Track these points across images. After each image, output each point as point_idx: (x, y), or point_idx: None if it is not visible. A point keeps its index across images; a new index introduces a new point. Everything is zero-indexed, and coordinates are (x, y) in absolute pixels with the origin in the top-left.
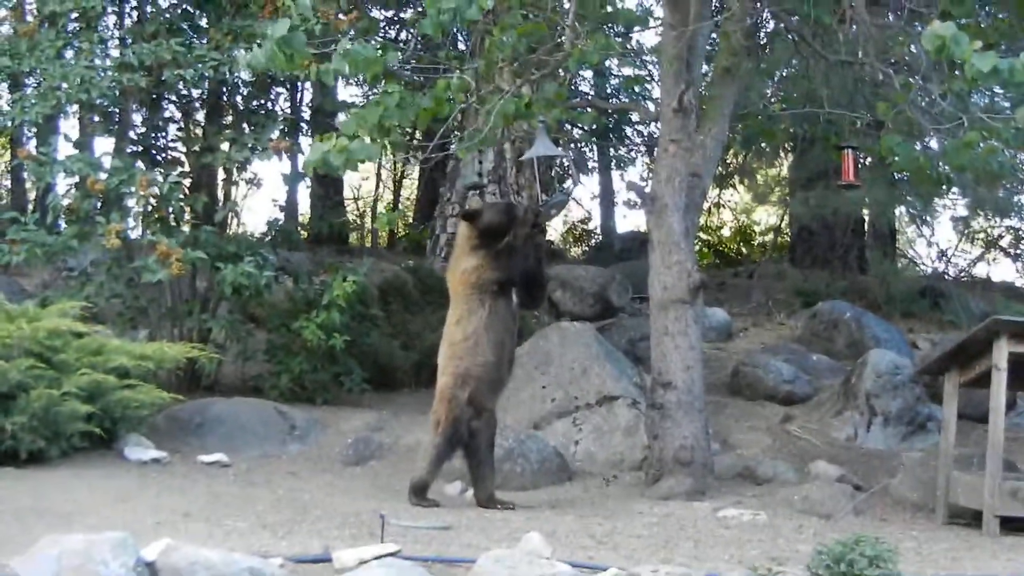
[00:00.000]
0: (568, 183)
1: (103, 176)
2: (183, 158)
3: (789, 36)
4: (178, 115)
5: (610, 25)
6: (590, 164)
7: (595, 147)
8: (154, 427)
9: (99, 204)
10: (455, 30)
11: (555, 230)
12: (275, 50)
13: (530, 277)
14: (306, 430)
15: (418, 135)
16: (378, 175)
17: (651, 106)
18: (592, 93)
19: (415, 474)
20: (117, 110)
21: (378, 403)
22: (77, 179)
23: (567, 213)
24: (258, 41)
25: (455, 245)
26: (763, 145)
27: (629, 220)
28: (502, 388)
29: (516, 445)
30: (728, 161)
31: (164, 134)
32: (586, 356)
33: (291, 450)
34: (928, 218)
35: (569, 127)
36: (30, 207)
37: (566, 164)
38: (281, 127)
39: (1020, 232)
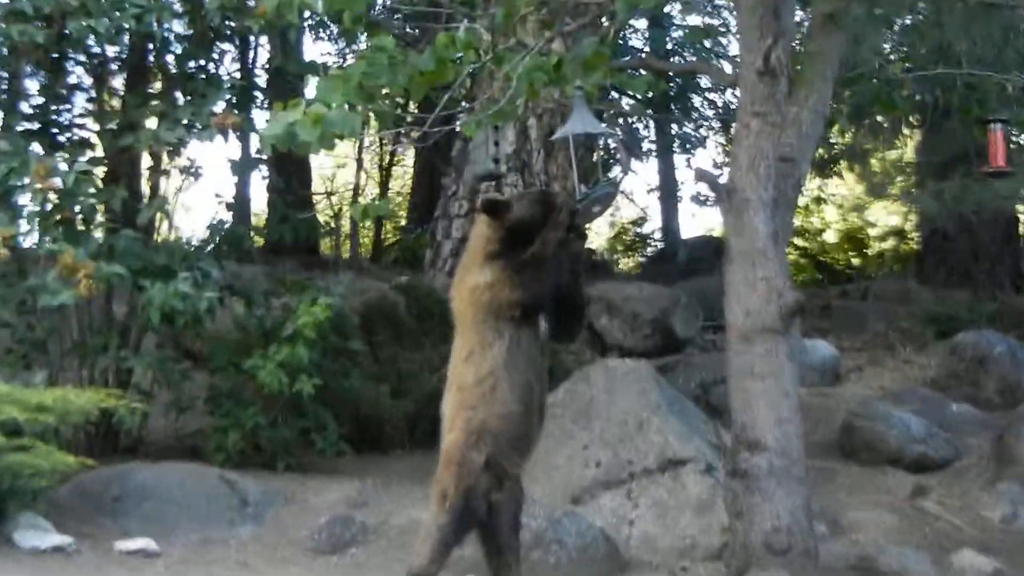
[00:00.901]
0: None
1: None
2: (94, 139)
3: None
4: (88, 81)
5: None
6: (645, 146)
7: (651, 123)
8: (55, 503)
9: None
10: None
11: (598, 234)
12: None
13: (564, 297)
14: (262, 506)
15: (412, 107)
16: (359, 160)
17: (727, 67)
18: (647, 50)
19: (412, 565)
20: (5, 74)
21: (360, 469)
22: None
23: (614, 211)
24: None
25: (467, 251)
26: (880, 119)
27: (698, 221)
28: (531, 448)
29: (548, 526)
30: (832, 141)
31: (69, 106)
32: (642, 405)
33: (242, 533)
34: None
35: (616, 96)
36: None
37: (613, 146)
38: (228, 97)
39: None
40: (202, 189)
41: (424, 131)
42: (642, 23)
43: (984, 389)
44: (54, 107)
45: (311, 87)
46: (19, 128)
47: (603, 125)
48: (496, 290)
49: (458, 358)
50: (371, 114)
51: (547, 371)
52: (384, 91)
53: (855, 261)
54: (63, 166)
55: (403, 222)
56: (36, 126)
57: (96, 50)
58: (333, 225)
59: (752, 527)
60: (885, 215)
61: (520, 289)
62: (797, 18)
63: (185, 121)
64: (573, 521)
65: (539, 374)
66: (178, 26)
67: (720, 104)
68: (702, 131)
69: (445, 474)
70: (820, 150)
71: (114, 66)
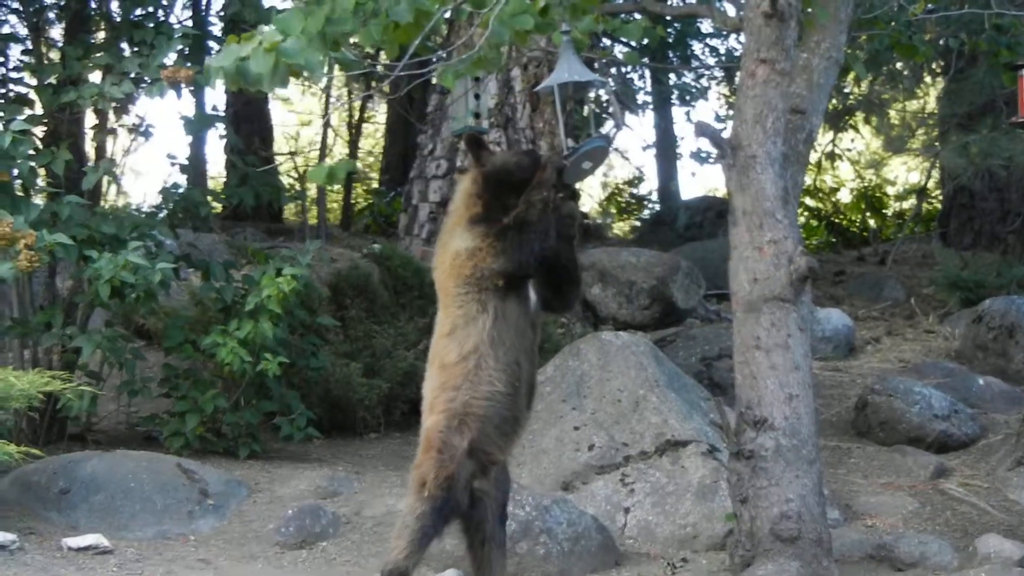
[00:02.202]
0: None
1: None
2: (32, 95)
3: None
4: (24, 30)
5: None
6: (640, 98)
7: (647, 73)
8: None
9: None
10: None
11: (589, 196)
12: None
13: (554, 264)
14: (224, 498)
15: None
16: (325, 117)
17: (730, 9)
18: None
19: (387, 560)
20: None
21: (331, 456)
22: None
23: (607, 170)
24: None
25: (449, 212)
26: (899, 66)
27: (699, 180)
28: (519, 431)
29: (537, 515)
30: (846, 90)
31: (3, 60)
32: (639, 382)
33: (202, 527)
34: None
35: (608, 44)
36: None
37: (605, 98)
38: (179, 47)
39: None
40: (153, 150)
41: (394, 78)
42: None
43: (1013, 361)
44: None
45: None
46: None
47: (594, 74)
48: (478, 258)
49: (440, 333)
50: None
51: (537, 347)
52: (352, 40)
53: (872, 222)
54: None
55: (375, 184)
56: None
57: None
58: (298, 188)
59: (759, 513)
60: (905, 172)
61: (503, 257)
62: None
63: (132, 75)
64: (563, 509)
65: (528, 351)
66: None
67: (723, 51)
68: (703, 81)
69: (424, 460)
70: (833, 101)
71: (52, 14)
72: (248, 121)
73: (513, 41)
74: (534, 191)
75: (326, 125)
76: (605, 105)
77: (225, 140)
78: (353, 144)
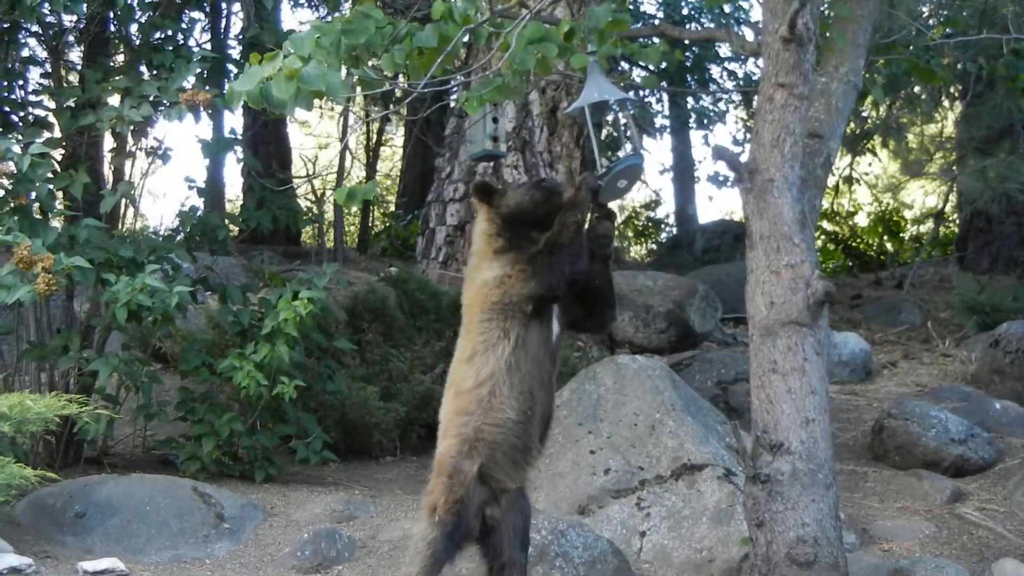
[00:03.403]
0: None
1: None
2: (51, 118)
3: None
4: (43, 53)
5: None
6: (658, 122)
7: (665, 97)
8: (12, 520)
9: None
10: None
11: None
12: None
13: (588, 286)
14: (240, 521)
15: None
16: (343, 140)
17: (748, 34)
18: (660, 16)
19: None
20: None
21: (347, 479)
22: None
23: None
24: None
25: (472, 253)
26: (917, 90)
27: (716, 204)
28: (530, 460)
29: (553, 539)
30: (864, 114)
31: (22, 83)
32: (655, 406)
33: (218, 551)
34: None
35: (626, 67)
36: None
37: (623, 122)
38: (198, 70)
39: None
40: (171, 173)
41: (413, 99)
42: None
43: None
44: (5, 83)
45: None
46: None
47: (622, 92)
48: (507, 285)
49: (459, 359)
50: (354, 80)
51: (555, 379)
52: (372, 63)
53: (889, 246)
54: (17, 148)
55: (392, 208)
56: None
57: (51, 19)
58: (316, 211)
59: (775, 537)
60: (922, 195)
61: (533, 280)
62: None
63: (151, 98)
64: (579, 533)
65: (544, 381)
66: None
67: (741, 75)
68: (721, 105)
69: (436, 486)
70: (851, 124)
71: (71, 37)
72: (266, 144)
73: (536, 70)
74: (568, 213)
75: (344, 148)
76: (623, 128)
77: (243, 163)
78: (371, 167)
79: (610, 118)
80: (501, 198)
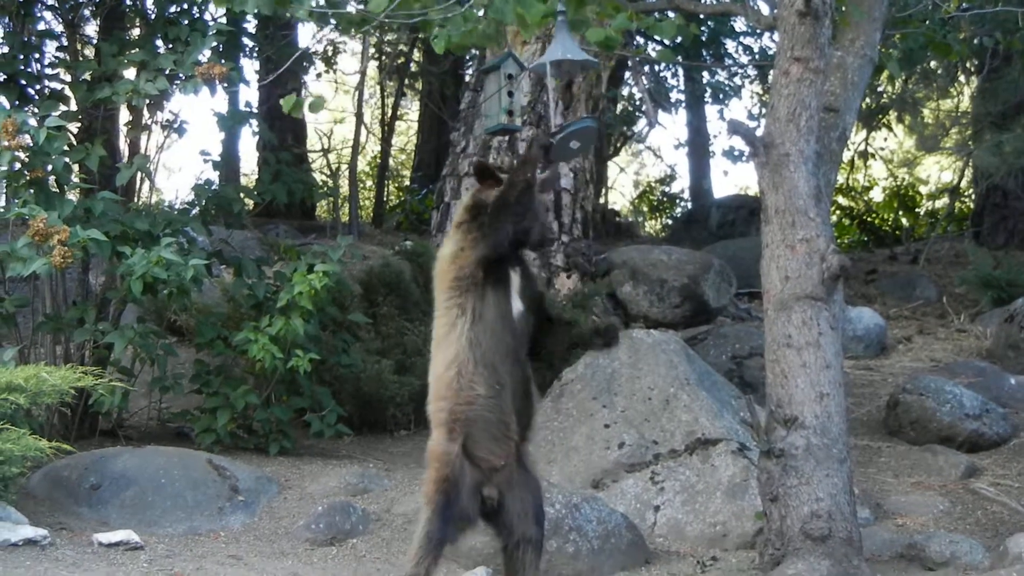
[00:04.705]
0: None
1: None
2: (67, 91)
3: None
4: (59, 27)
5: None
6: (673, 97)
7: (680, 71)
8: (28, 492)
9: None
10: None
11: (621, 194)
12: None
13: (523, 234)
14: (255, 494)
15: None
16: (358, 115)
17: (764, 7)
18: None
19: (405, 571)
20: None
21: (362, 452)
22: None
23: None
24: None
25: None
26: (933, 65)
27: (731, 179)
28: (509, 435)
29: (567, 513)
30: (880, 89)
31: (39, 56)
32: (669, 380)
33: (233, 523)
34: None
35: (641, 42)
36: None
37: (638, 95)
38: (214, 44)
39: None
40: (186, 146)
41: (426, 70)
42: None
43: None
44: (22, 56)
45: (304, 32)
46: None
47: (587, 55)
48: (462, 258)
49: (433, 344)
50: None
51: (523, 355)
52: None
53: (904, 221)
54: (33, 121)
55: (407, 182)
56: (2, 78)
57: None
58: (331, 185)
59: (789, 512)
60: (938, 171)
61: (481, 244)
62: None
63: (167, 71)
64: (593, 507)
65: (507, 354)
66: None
67: (756, 49)
68: (736, 79)
69: (427, 473)
70: (867, 99)
71: (87, 11)
72: (281, 118)
73: (521, 31)
74: (517, 170)
75: (358, 122)
76: (638, 103)
77: (258, 137)
78: (386, 141)
79: (625, 92)
80: (496, 184)
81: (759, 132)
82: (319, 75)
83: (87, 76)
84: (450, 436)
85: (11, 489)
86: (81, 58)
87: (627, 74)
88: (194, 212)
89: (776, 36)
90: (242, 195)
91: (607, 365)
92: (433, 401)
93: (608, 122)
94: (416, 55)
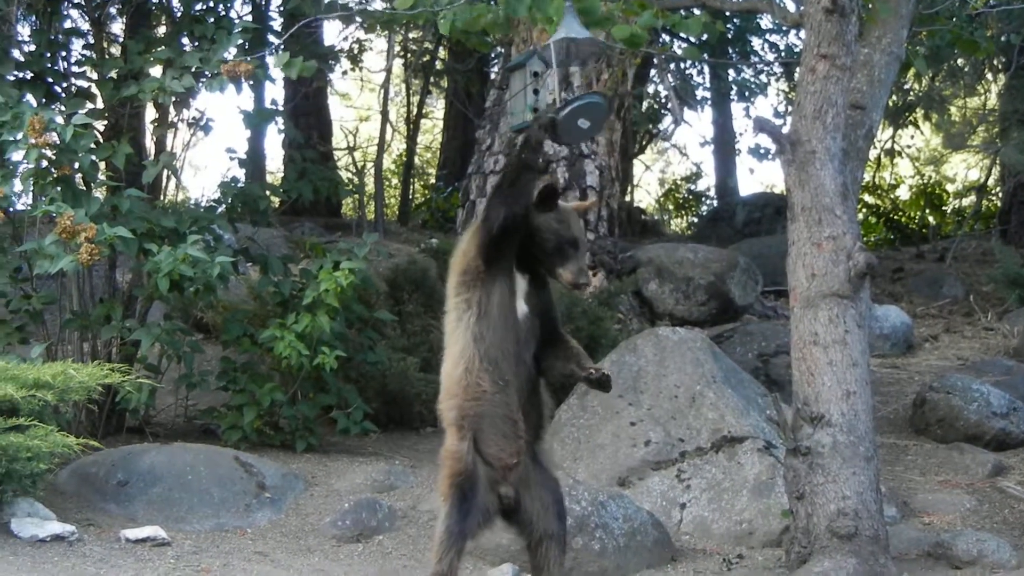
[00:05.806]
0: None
1: None
2: (94, 89)
3: None
4: (85, 25)
5: None
6: (698, 94)
7: (706, 68)
8: (56, 488)
9: None
10: None
11: (647, 192)
12: None
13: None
14: (281, 491)
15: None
16: (384, 112)
17: (790, 4)
18: None
19: (429, 569)
20: None
21: (388, 449)
22: None
23: (665, 166)
24: None
25: None
26: (960, 62)
27: (758, 177)
28: (518, 433)
29: (592, 510)
30: (907, 86)
31: (65, 54)
32: (695, 378)
33: (259, 520)
34: None
35: (667, 39)
36: None
37: (664, 93)
38: (240, 41)
39: None
40: (212, 144)
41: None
42: None
43: None
44: (49, 54)
45: (329, 30)
46: (11, 78)
47: (592, 35)
48: (466, 251)
49: (444, 341)
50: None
51: (528, 358)
52: None
53: (931, 219)
54: (60, 119)
55: (433, 180)
56: (29, 75)
57: None
58: (356, 183)
59: (815, 510)
60: (965, 168)
61: (481, 230)
62: None
63: (193, 69)
64: (620, 505)
65: (509, 354)
66: None
67: (783, 46)
68: (762, 76)
69: (441, 470)
70: (893, 97)
71: (113, 9)
72: (307, 115)
73: (532, 20)
74: (521, 149)
75: (384, 120)
76: (664, 100)
77: (284, 134)
78: (411, 139)
79: (651, 89)
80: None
81: (785, 129)
82: (344, 73)
83: (113, 74)
84: (460, 435)
85: (39, 485)
86: (107, 56)
87: (653, 72)
88: (220, 209)
89: (802, 33)
90: (268, 192)
91: (633, 363)
92: (444, 399)
93: (634, 120)
94: (442, 53)
